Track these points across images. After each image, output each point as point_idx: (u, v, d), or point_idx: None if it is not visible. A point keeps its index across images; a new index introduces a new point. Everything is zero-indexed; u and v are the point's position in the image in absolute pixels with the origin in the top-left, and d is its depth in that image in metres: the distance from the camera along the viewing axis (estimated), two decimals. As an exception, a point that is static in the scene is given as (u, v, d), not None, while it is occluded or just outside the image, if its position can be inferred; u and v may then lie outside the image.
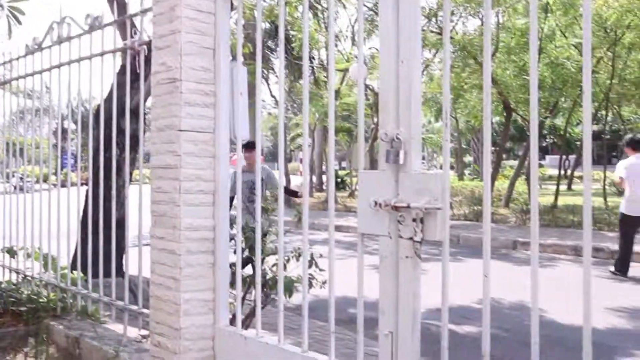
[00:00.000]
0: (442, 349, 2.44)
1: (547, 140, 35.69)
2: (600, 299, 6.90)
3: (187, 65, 3.37)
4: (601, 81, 17.66)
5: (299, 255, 3.80)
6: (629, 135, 10.23)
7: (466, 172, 36.67)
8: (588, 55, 2.09)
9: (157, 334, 3.52)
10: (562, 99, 18.64)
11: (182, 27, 3.35)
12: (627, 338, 5.55)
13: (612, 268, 9.22)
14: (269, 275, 4.07)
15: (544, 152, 40.00)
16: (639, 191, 8.72)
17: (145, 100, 4.84)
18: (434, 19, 18.14)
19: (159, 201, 3.52)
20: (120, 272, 4.88)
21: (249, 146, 7.35)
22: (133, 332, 4.21)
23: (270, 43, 23.67)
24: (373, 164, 17.96)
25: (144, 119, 4.84)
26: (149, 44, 3.92)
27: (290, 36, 21.29)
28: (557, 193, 17.76)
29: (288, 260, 4.09)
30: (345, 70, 22.38)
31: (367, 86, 22.09)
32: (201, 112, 3.43)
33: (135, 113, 5.00)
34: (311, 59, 23.96)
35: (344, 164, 51.07)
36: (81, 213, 4.95)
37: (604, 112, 19.92)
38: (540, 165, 34.85)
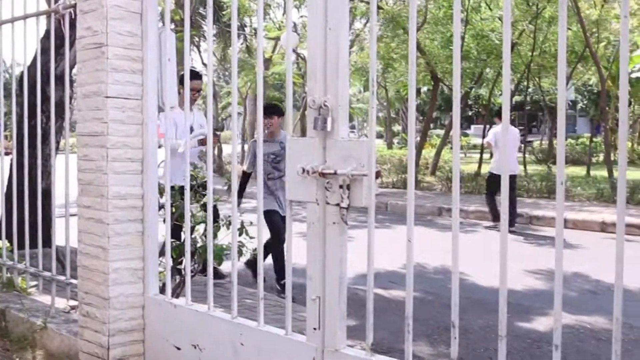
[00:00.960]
0: (368, 312, 2.45)
1: (471, 110, 36.39)
2: (519, 262, 7.11)
3: (113, 30, 3.24)
4: (523, 53, 18.03)
5: (229, 224, 3.75)
6: (499, 107, 11.86)
7: (395, 141, 37.05)
8: (508, 28, 2.09)
9: (86, 304, 3.43)
10: (487, 70, 18.97)
11: (107, -11, 3.21)
12: (543, 298, 5.76)
13: (490, 224, 10.23)
14: (200, 244, 4.02)
15: (468, 121, 40.74)
16: (506, 153, 9.61)
17: (71, 67, 4.65)
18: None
19: (85, 169, 3.40)
20: (47, 243, 4.72)
21: (270, 111, 6.17)
22: (61, 303, 4.10)
23: (202, 10, 23.13)
24: (304, 133, 17.81)
25: (71, 85, 4.66)
26: (74, 7, 3.75)
27: (222, 3, 20.86)
28: (480, 161, 18.13)
29: (219, 229, 4.04)
30: (277, 39, 22.08)
31: (298, 54, 21.92)
32: (128, 79, 3.32)
33: (61, 79, 4.81)
34: (243, 26, 23.58)
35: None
36: (5, 183, 4.76)
37: (525, 84, 20.38)
38: (465, 135, 35.64)
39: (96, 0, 3.26)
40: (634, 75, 21.98)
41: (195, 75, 6.09)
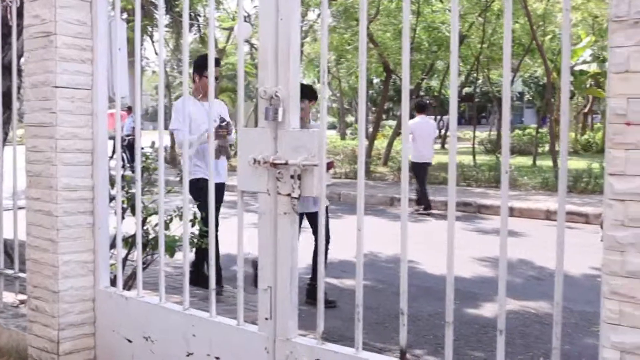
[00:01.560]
0: (319, 301, 2.46)
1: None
2: (468, 250, 7.23)
3: (62, 19, 3.16)
4: (473, 45, 18.27)
5: (182, 215, 3.71)
6: (417, 100, 13.25)
7: (348, 131, 37.17)
8: (456, 21, 2.11)
9: (35, 298, 3.35)
10: (438, 62, 19.17)
11: (55, -23, 3.13)
12: (490, 285, 5.85)
13: (417, 208, 10.83)
14: (152, 235, 3.96)
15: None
16: (421, 143, 10.79)
17: (19, 56, 4.51)
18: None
19: (34, 161, 3.31)
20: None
21: (301, 95, 5.71)
22: (9, 297, 4.00)
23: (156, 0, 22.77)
24: (258, 124, 17.71)
25: (19, 75, 4.53)
26: (21, -5, 3.63)
27: (175, -7, 20.58)
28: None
29: (171, 220, 4.00)
30: (231, 29, 21.91)
31: (252, 45, 21.77)
32: (78, 68, 3.24)
33: (8, 69, 4.67)
34: (196, 16, 23.28)
35: (230, 124, 50.43)
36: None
37: (475, 75, 20.65)
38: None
39: (44, -12, 3.17)
40: (577, 68, 22.55)
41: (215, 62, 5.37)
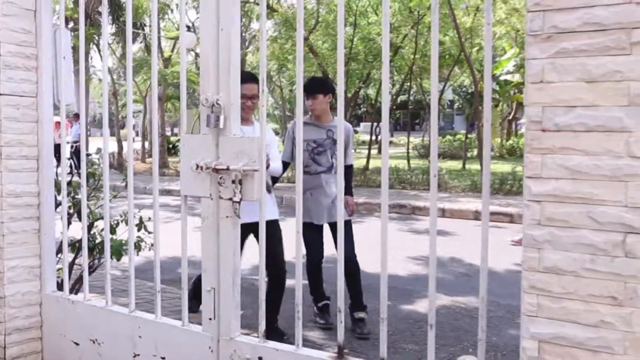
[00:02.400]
0: (260, 301, 2.45)
1: (360, 108, 37.03)
2: (402, 250, 7.33)
3: (6, 27, 3.07)
4: (406, 56, 18.52)
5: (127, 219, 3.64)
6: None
7: (290, 137, 37.16)
8: (386, 34, 2.14)
9: (-20, 303, 3.23)
10: (374, 71, 19.36)
11: (-1, -13, 3.03)
12: (423, 282, 5.92)
13: None
14: (98, 240, 3.88)
15: (358, 119, 41.48)
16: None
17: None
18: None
19: (-22, 168, 3.19)
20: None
21: (312, 88, 4.55)
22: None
23: (100, 9, 22.27)
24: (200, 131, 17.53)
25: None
26: (-37, 4, 3.51)
27: (120, 2, 20.16)
28: (368, 156, 18.47)
29: (117, 225, 3.92)
30: (176, 38, 21.65)
31: (197, 54, 21.54)
32: (22, 76, 3.16)
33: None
34: (142, 26, 22.89)
35: (176, 130, 49.76)
36: None
37: (408, 84, 20.94)
38: (355, 132, 36.23)
39: (-13, -3, 3.07)
40: (502, 78, 23.15)
41: (250, 78, 4.03)
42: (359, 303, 4.56)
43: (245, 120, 3.86)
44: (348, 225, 4.54)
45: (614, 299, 1.68)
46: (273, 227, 4.02)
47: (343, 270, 2.31)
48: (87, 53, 19.39)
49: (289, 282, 3.79)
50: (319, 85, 4.59)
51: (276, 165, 4.17)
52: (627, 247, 1.66)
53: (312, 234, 4.47)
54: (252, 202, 2.53)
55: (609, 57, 1.66)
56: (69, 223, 3.59)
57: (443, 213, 10.52)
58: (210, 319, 2.57)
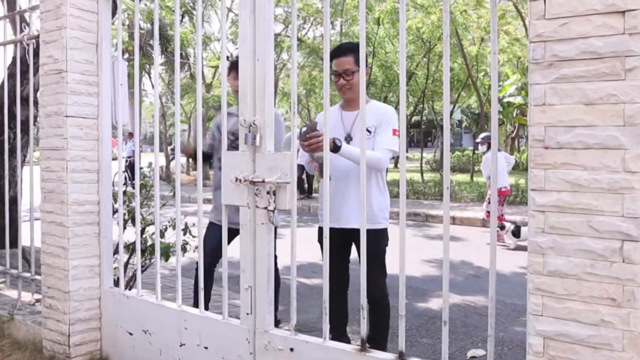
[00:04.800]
0: (292, 298, 2.43)
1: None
2: (418, 253, 7.26)
3: (72, 58, 3.12)
4: (419, 80, 18.45)
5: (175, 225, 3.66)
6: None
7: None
8: (403, 61, 2.12)
9: (49, 297, 3.27)
10: (390, 94, 19.34)
11: (67, 24, 3.10)
12: (436, 282, 5.86)
13: None
14: (149, 243, 3.90)
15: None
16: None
17: (35, 90, 4.44)
18: (290, 26, 18.09)
19: (48, 179, 3.25)
20: (14, 244, 4.48)
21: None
22: (27, 296, 3.90)
23: (152, 41, 22.59)
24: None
25: (35, 106, 4.45)
26: (37, 37, 3.58)
27: (169, 36, 20.45)
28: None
29: (166, 229, 3.94)
30: (217, 67, 21.85)
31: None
32: (85, 100, 3.20)
33: (26, 101, 4.59)
34: (187, 56, 23.18)
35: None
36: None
37: (421, 106, 20.85)
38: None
39: (57, 32, 3.14)
40: (505, 100, 22.91)
41: (342, 51, 3.07)
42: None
43: (348, 103, 3.05)
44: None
45: (613, 300, 1.63)
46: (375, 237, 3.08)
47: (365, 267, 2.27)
48: (140, 80, 19.65)
49: (316, 282, 3.79)
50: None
51: (373, 155, 2.94)
52: (625, 254, 1.61)
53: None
54: (353, 207, 2.41)
55: (605, 82, 1.63)
56: (124, 228, 3.62)
57: (453, 220, 10.42)
58: (247, 313, 2.56)
